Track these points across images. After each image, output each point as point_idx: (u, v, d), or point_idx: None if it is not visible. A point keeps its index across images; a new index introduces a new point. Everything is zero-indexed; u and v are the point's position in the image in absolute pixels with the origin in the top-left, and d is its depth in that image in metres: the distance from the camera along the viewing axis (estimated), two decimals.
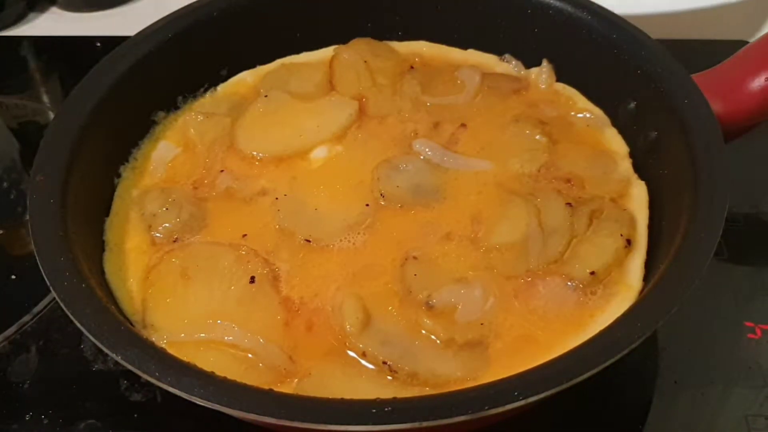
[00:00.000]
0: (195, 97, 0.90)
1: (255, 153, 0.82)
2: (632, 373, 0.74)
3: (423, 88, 0.88)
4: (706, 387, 0.73)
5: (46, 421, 0.72)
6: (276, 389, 0.59)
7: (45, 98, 1.17)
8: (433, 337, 0.65)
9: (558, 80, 0.89)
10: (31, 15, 1.34)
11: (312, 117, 0.85)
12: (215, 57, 0.90)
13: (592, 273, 0.68)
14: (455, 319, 0.66)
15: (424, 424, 0.50)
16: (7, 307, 0.82)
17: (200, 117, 0.85)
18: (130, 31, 0.84)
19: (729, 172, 0.65)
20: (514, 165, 0.79)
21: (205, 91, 0.91)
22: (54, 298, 0.59)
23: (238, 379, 0.55)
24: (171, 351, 0.60)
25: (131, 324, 0.65)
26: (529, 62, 0.91)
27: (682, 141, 0.70)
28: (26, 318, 0.81)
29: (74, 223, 0.66)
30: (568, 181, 0.77)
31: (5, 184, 1.00)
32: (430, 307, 0.67)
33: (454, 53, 0.94)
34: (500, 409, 0.51)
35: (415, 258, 0.70)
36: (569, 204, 0.73)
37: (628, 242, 0.70)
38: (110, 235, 0.74)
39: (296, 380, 0.63)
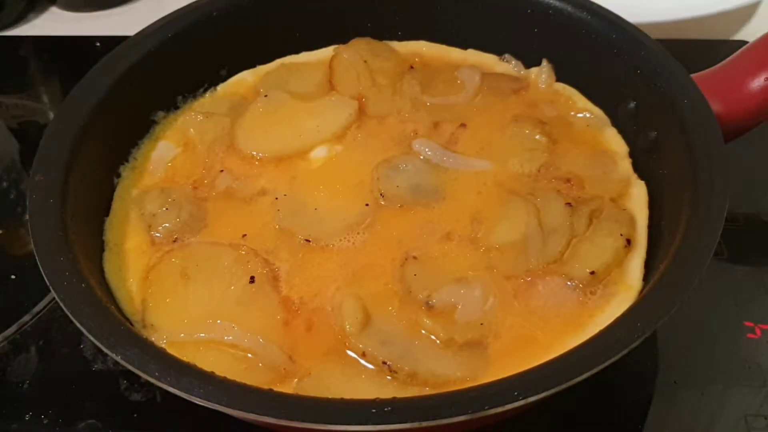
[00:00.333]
0: (195, 97, 0.90)
1: (255, 153, 0.82)
2: (632, 373, 0.74)
3: (423, 88, 0.88)
4: (705, 387, 0.73)
5: (46, 421, 0.72)
6: (276, 389, 0.59)
7: (45, 98, 1.17)
8: (432, 337, 0.65)
9: (558, 80, 0.89)
10: (31, 15, 1.34)
11: (312, 117, 0.85)
12: (215, 57, 0.90)
13: (592, 273, 0.68)
14: (455, 319, 0.66)
15: (424, 424, 0.50)
16: (6, 307, 0.82)
17: (200, 117, 0.85)
18: (130, 31, 0.84)
19: (729, 172, 0.65)
20: (513, 165, 0.79)
21: (205, 91, 0.91)
22: (54, 298, 0.59)
23: (238, 379, 0.55)
24: (171, 351, 0.60)
25: (131, 324, 0.65)
26: (529, 62, 0.91)
27: (682, 141, 0.70)
28: (26, 318, 0.81)
29: (74, 223, 0.66)
30: (568, 180, 0.77)
31: (5, 184, 1.00)
32: (429, 307, 0.67)
33: (454, 53, 0.94)
34: (500, 409, 0.51)
35: (414, 258, 0.70)
36: (569, 204, 0.73)
37: (628, 242, 0.70)
38: (110, 235, 0.74)
39: (296, 380, 0.63)
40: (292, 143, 0.82)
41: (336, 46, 0.93)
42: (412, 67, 0.91)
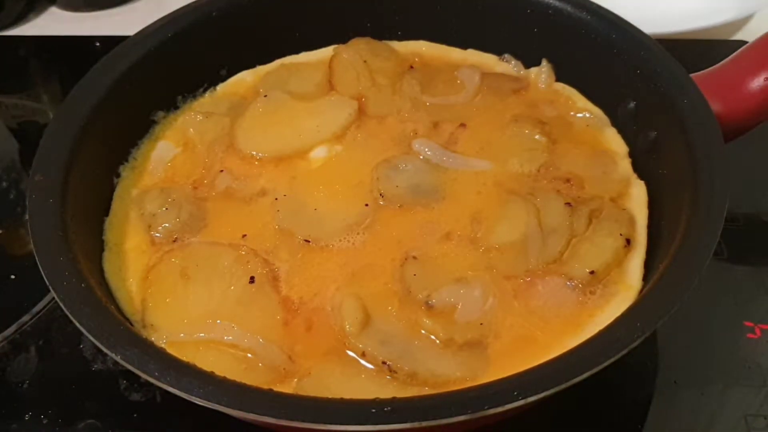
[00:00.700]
0: (194, 96, 0.90)
1: (254, 153, 0.82)
2: (632, 373, 0.74)
3: (423, 88, 0.88)
4: (705, 387, 0.73)
5: (45, 421, 0.72)
6: (276, 389, 0.59)
7: (44, 98, 1.17)
8: (432, 337, 0.65)
9: (557, 80, 0.89)
10: (31, 15, 1.34)
11: (311, 117, 0.85)
12: (215, 57, 0.90)
13: (592, 272, 0.68)
14: (455, 319, 0.66)
15: (424, 423, 0.50)
16: (6, 307, 0.82)
17: (200, 117, 0.85)
18: (130, 31, 0.84)
19: (729, 172, 0.65)
20: (513, 165, 0.79)
21: (205, 90, 0.91)
22: (53, 298, 0.59)
23: (238, 379, 0.55)
24: (171, 351, 0.60)
25: (131, 324, 0.65)
26: (529, 62, 0.91)
27: (682, 141, 0.70)
28: (26, 318, 0.81)
29: (74, 223, 0.66)
30: (568, 180, 0.77)
31: (5, 184, 1.00)
32: (429, 307, 0.67)
33: (454, 53, 0.94)
34: (500, 409, 0.51)
35: (414, 258, 0.70)
36: (569, 204, 0.73)
37: (628, 242, 0.70)
38: (110, 235, 0.74)
39: (296, 380, 0.63)
40: (291, 143, 0.82)
41: (336, 46, 0.93)
42: (411, 67, 0.91)
